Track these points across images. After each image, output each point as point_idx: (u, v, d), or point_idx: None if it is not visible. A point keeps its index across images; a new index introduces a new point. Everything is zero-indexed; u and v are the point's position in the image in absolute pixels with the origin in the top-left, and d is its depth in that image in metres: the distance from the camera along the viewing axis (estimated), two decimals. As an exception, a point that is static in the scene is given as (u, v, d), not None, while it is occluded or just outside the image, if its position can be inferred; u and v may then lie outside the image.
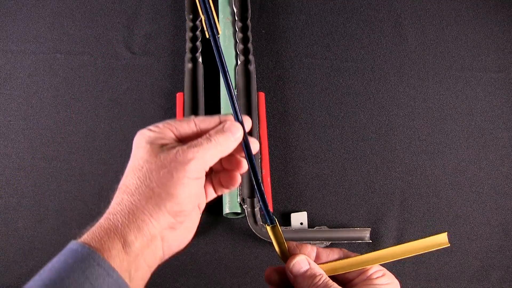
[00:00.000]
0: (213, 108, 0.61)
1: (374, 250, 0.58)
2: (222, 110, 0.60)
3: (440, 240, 0.37)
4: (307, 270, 0.36)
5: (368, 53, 0.66)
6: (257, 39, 0.66)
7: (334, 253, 0.38)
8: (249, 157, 0.37)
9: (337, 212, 0.59)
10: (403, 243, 0.38)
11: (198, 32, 0.64)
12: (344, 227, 0.58)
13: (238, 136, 0.35)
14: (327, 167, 0.61)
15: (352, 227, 0.58)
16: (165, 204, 0.31)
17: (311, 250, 0.37)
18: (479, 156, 0.62)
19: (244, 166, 0.38)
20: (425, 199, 0.60)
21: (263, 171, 0.58)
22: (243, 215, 0.57)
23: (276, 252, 0.38)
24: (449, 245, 0.37)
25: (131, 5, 0.67)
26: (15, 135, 0.60)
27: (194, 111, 0.60)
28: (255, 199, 0.57)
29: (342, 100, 0.64)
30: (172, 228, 0.33)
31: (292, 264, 0.36)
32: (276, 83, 0.65)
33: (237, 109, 0.36)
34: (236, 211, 0.56)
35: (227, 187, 0.38)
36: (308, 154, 0.61)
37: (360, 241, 0.57)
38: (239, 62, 0.62)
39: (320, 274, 0.35)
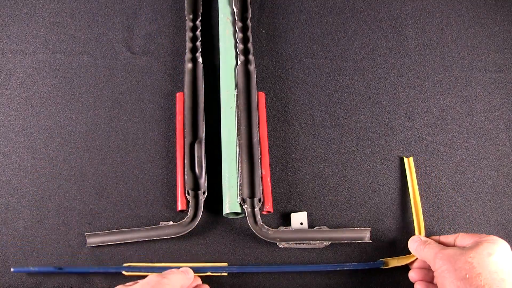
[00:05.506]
0: (213, 108, 0.61)
1: (374, 250, 0.58)
2: (222, 110, 0.60)
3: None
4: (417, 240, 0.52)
5: (368, 53, 0.66)
6: (257, 39, 0.66)
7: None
8: None
9: (337, 212, 0.59)
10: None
11: (198, 32, 0.64)
12: (344, 227, 0.58)
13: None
14: (327, 167, 0.61)
15: (352, 227, 0.58)
16: None
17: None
18: (479, 156, 0.62)
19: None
20: (425, 199, 0.60)
21: (263, 171, 0.58)
22: (243, 215, 0.57)
23: None
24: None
25: (131, 5, 0.67)
26: (15, 135, 0.60)
27: (194, 111, 0.60)
28: (255, 199, 0.57)
29: (342, 100, 0.64)
30: None
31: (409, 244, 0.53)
32: (276, 83, 0.65)
33: None
34: (236, 211, 0.56)
35: None
36: (308, 154, 0.61)
37: (360, 241, 0.57)
38: (239, 62, 0.62)
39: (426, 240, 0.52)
